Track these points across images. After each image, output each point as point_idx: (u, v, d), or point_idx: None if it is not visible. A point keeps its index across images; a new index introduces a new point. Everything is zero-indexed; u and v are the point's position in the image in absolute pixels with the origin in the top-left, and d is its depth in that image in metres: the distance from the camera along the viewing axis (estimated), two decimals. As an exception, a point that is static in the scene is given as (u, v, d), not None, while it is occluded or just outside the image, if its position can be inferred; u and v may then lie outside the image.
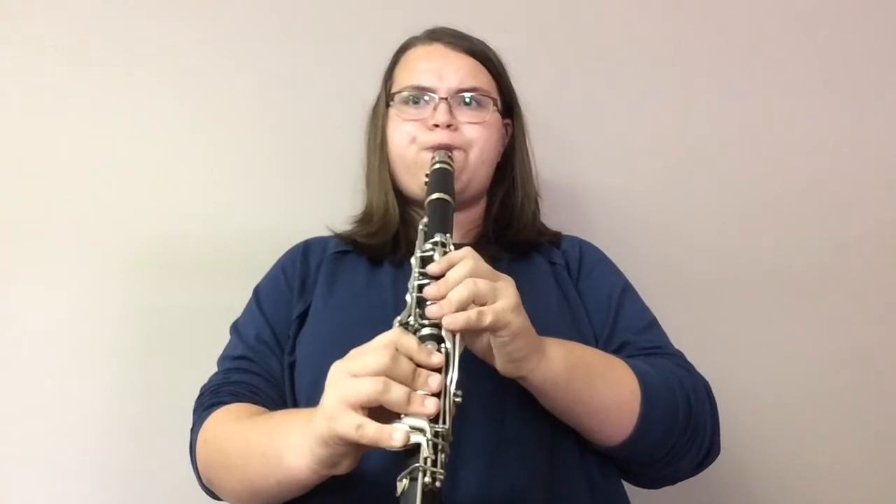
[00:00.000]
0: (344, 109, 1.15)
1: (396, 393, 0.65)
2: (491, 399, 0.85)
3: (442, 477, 0.61)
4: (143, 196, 1.32)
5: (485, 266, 0.76)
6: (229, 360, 0.97)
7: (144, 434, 1.25)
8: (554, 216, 1.16)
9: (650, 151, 1.44)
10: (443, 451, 0.63)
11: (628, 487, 0.94)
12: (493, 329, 0.73)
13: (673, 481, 0.92)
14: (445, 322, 0.70)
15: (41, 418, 1.24)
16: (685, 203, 1.43)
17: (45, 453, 1.24)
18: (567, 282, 1.02)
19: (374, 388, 0.65)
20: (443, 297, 0.72)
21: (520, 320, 0.74)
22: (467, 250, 0.77)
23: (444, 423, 0.65)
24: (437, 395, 0.66)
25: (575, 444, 0.88)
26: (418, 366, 0.68)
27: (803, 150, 1.46)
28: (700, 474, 0.91)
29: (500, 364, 0.77)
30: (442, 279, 0.74)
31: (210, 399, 0.91)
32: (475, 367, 0.79)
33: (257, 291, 1.04)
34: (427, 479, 0.60)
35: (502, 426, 0.85)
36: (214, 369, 0.98)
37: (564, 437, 0.87)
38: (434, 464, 0.61)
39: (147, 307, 1.29)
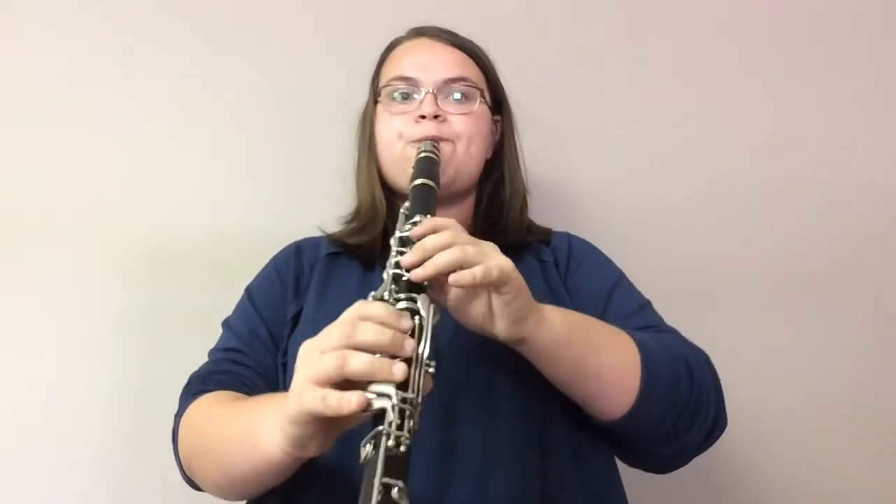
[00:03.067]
0: (341, 110, 1.16)
1: (356, 363, 0.63)
2: (483, 392, 0.83)
3: (408, 442, 0.59)
4: (141, 196, 1.33)
5: (467, 235, 0.75)
6: (220, 352, 0.96)
7: (142, 433, 1.24)
8: (545, 215, 1.14)
9: (644, 150, 1.43)
10: (410, 416, 0.61)
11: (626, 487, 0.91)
12: (499, 284, 0.71)
13: (681, 460, 0.89)
14: (452, 279, 0.69)
15: (39, 417, 1.24)
16: (678, 202, 1.42)
17: (43, 452, 1.24)
18: (556, 279, 1.00)
19: (335, 363, 0.64)
20: (418, 263, 0.71)
21: (519, 276, 0.74)
22: (452, 221, 0.76)
23: (412, 389, 0.62)
24: (407, 363, 0.64)
25: (566, 439, 0.86)
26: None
27: (799, 149, 1.45)
28: (699, 473, 0.88)
29: (502, 326, 0.75)
30: (418, 243, 0.72)
31: (197, 386, 0.90)
32: (466, 359, 0.78)
33: (250, 291, 1.03)
34: (391, 443, 0.58)
35: (495, 420, 0.83)
36: None
37: (558, 432, 0.85)
38: (399, 428, 0.59)
39: (145, 307, 1.30)
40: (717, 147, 1.45)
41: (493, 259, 0.72)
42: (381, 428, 0.59)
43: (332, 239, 1.06)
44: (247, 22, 1.39)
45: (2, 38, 1.34)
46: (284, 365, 0.94)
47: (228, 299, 1.04)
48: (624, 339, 0.83)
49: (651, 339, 0.85)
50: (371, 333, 0.65)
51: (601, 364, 0.80)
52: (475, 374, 0.84)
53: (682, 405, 0.82)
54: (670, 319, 0.99)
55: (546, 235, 1.08)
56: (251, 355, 0.94)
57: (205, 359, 0.98)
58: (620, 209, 1.40)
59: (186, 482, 0.90)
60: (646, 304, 0.98)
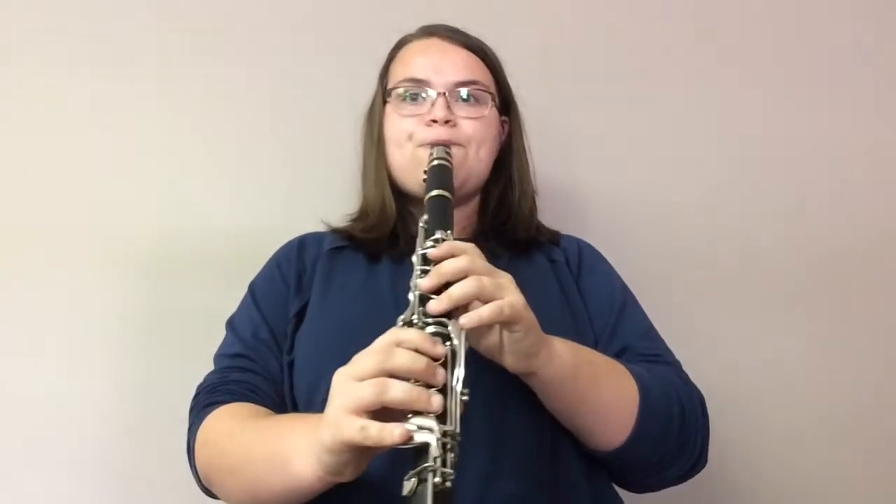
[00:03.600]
0: (344, 109, 1.15)
1: (396, 391, 0.64)
2: (492, 398, 0.84)
3: (452, 477, 0.60)
4: (141, 196, 1.32)
5: (484, 263, 0.75)
6: (226, 359, 0.95)
7: (144, 434, 1.24)
8: (552, 217, 1.15)
9: (648, 153, 1.44)
10: (452, 450, 0.62)
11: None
12: (510, 323, 0.72)
13: (657, 489, 0.92)
14: (463, 321, 0.69)
15: (40, 418, 1.24)
16: (686, 204, 1.43)
17: (42, 452, 1.23)
18: (568, 279, 1.01)
19: (373, 391, 0.64)
20: (436, 287, 0.71)
21: (530, 315, 0.74)
22: (471, 245, 0.76)
23: (451, 421, 0.63)
24: (442, 392, 0.65)
25: (576, 445, 0.87)
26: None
27: (800, 151, 1.46)
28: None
29: (511, 361, 0.76)
30: (435, 268, 0.73)
31: (207, 398, 0.90)
32: (476, 366, 0.77)
33: (253, 288, 1.02)
34: (437, 480, 0.59)
35: (503, 425, 0.84)
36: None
37: (566, 437, 0.86)
38: (444, 464, 0.60)
39: (145, 307, 1.29)
40: (725, 150, 1.45)
41: (507, 296, 0.72)
42: (427, 465, 0.59)
43: (337, 232, 1.06)
44: (247, 22, 1.37)
45: (1, 38, 1.32)
46: (291, 364, 0.94)
47: (229, 299, 1.04)
48: (625, 378, 0.85)
49: (652, 376, 0.87)
50: (406, 360, 0.65)
51: (601, 400, 0.83)
52: (486, 378, 0.83)
53: (670, 446, 0.86)
54: (677, 320, 1.01)
55: (555, 237, 1.09)
56: (257, 360, 0.94)
57: (205, 359, 0.98)
58: (629, 211, 1.41)
59: (204, 493, 0.90)
60: (652, 327, 1.00)
